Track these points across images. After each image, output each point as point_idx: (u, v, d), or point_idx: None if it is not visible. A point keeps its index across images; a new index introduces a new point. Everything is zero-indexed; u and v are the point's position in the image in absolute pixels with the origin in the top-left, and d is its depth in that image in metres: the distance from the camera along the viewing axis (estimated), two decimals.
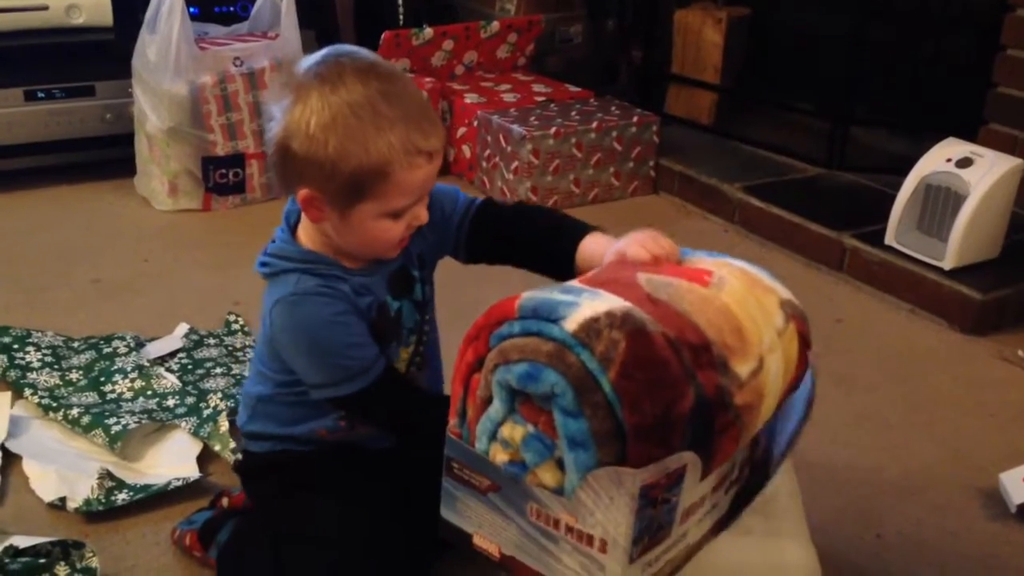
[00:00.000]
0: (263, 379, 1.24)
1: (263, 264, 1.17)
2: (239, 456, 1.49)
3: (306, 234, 1.18)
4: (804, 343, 1.01)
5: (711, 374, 0.86)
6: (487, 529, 0.93)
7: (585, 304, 0.85)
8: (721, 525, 1.02)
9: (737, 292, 0.94)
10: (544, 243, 1.23)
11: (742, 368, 0.89)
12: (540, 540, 0.89)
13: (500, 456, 0.88)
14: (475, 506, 0.93)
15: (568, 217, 1.25)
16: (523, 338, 0.86)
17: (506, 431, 0.88)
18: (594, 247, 1.16)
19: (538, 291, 0.90)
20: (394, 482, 1.26)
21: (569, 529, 0.87)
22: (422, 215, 1.13)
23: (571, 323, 0.83)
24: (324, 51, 1.10)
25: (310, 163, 1.06)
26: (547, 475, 0.86)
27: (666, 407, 0.82)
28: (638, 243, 1.06)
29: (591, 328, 0.83)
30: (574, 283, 0.95)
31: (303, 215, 1.17)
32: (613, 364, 0.81)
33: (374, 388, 1.14)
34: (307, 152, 1.06)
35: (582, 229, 1.20)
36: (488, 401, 0.89)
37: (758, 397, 0.90)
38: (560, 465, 0.85)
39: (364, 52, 1.10)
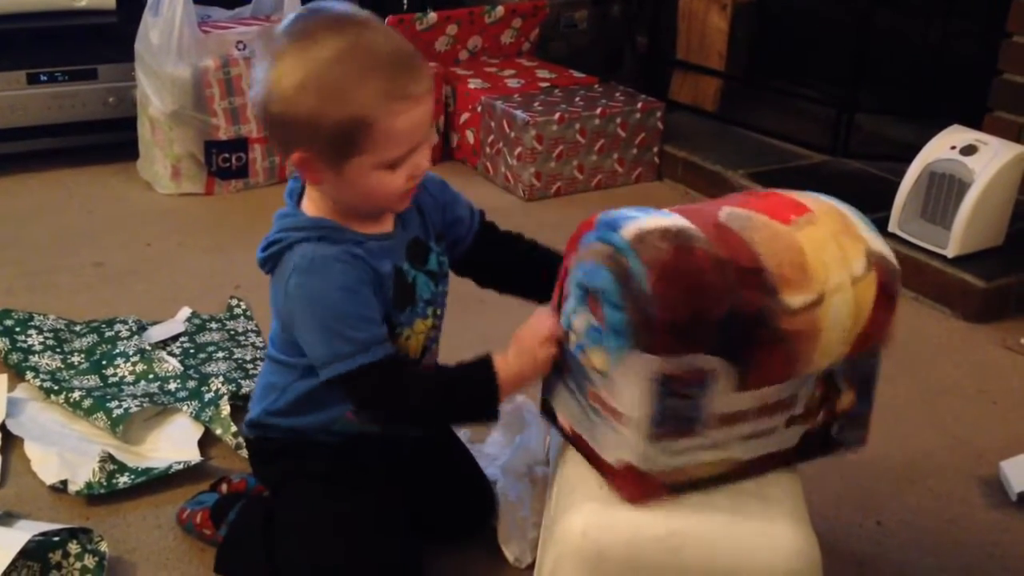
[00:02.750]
0: (283, 369, 1.22)
1: (272, 243, 1.14)
2: (240, 440, 1.50)
3: (313, 205, 1.17)
4: (885, 295, 1.04)
5: (755, 294, 0.98)
6: (563, 408, 1.11)
7: (647, 219, 1.01)
8: (785, 458, 1.09)
9: (816, 233, 1.03)
10: (532, 270, 1.27)
11: (795, 298, 0.99)
12: (591, 417, 1.06)
13: (572, 339, 1.07)
14: (560, 388, 1.12)
15: (541, 247, 1.33)
16: (596, 243, 1.03)
17: (576, 321, 1.06)
18: None
19: (619, 209, 1.06)
20: (399, 474, 1.26)
21: (606, 406, 1.03)
22: (423, 163, 1.12)
23: (627, 232, 0.99)
24: (299, 10, 1.10)
25: (291, 124, 1.06)
26: (596, 358, 1.03)
27: (695, 311, 0.96)
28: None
29: (643, 237, 0.98)
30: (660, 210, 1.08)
31: (305, 185, 1.16)
32: (654, 269, 0.96)
33: (379, 366, 1.11)
34: (286, 113, 1.06)
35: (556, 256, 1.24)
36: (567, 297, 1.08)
37: (814, 329, 1.00)
38: (609, 351, 1.01)
39: (339, 5, 1.10)
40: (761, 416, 1.05)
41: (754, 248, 1.00)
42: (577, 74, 2.94)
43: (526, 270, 1.28)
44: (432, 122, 1.12)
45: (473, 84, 2.80)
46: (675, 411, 1.00)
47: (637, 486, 1.02)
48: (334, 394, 1.18)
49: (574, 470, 1.10)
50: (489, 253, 1.30)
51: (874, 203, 2.30)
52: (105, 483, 1.42)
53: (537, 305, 1.21)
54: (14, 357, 1.71)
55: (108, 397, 1.60)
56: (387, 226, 1.19)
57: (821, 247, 1.03)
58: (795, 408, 1.07)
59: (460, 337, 1.87)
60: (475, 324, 1.95)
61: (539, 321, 1.12)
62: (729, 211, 1.05)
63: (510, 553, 1.34)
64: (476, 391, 1.14)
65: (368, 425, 1.23)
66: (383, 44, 1.06)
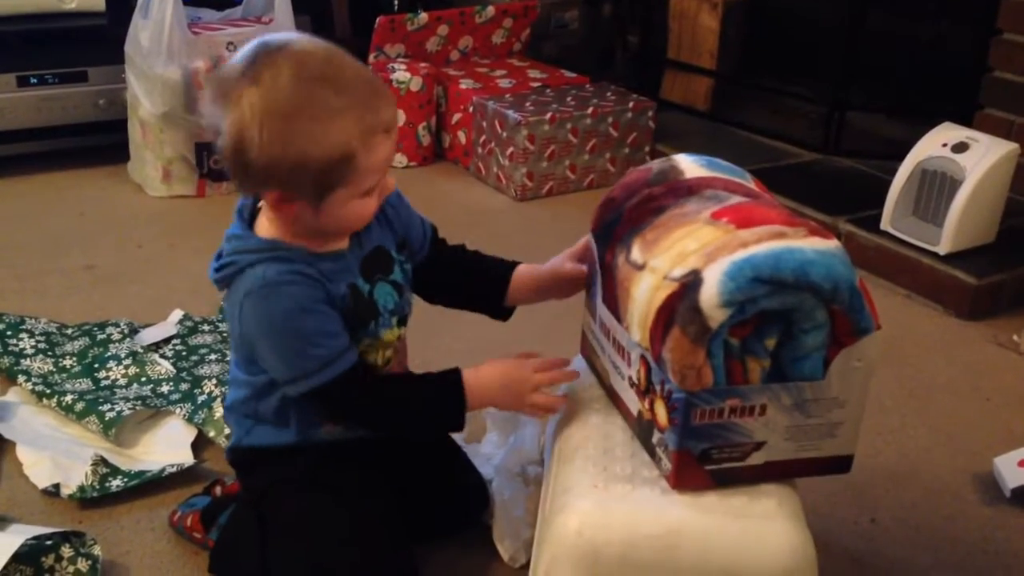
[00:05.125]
0: (246, 390, 1.21)
1: (224, 266, 1.13)
2: (226, 445, 1.49)
3: (266, 225, 1.14)
4: (664, 311, 1.00)
5: (627, 225, 1.12)
6: None
7: (687, 158, 1.20)
8: (630, 422, 1.14)
9: (704, 232, 1.04)
10: (476, 281, 1.30)
11: (636, 252, 1.09)
12: None
13: None
14: None
15: (486, 257, 1.32)
16: None
17: None
18: (524, 274, 1.27)
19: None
20: (390, 473, 1.26)
21: None
22: (390, 183, 1.12)
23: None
24: (252, 47, 1.04)
25: (272, 171, 1.03)
26: None
27: (606, 202, 1.20)
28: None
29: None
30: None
31: (269, 210, 1.13)
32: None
33: (346, 378, 1.11)
34: (266, 161, 1.02)
35: (506, 266, 1.29)
36: None
37: (626, 285, 1.09)
38: None
39: (293, 39, 1.04)
40: (614, 347, 1.15)
41: (667, 209, 1.10)
42: (568, 74, 2.94)
43: (474, 286, 1.30)
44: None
45: (464, 84, 2.79)
46: (591, 285, 1.22)
47: (582, 340, 1.28)
48: (302, 411, 1.18)
49: (569, 469, 1.10)
50: (439, 269, 1.29)
51: (866, 201, 2.31)
52: (98, 486, 1.42)
53: (484, 317, 1.29)
54: (6, 361, 1.71)
55: (100, 400, 1.59)
56: (342, 243, 1.16)
57: (687, 241, 1.04)
58: (630, 368, 1.09)
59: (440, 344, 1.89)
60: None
61: (525, 368, 1.17)
62: (712, 193, 1.10)
63: (504, 552, 1.34)
64: (444, 405, 1.17)
65: (348, 433, 1.22)
66: (353, 77, 1.03)
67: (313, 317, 1.10)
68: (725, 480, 1.06)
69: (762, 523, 1.03)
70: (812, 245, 1.00)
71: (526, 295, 1.28)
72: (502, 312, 1.30)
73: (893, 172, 2.20)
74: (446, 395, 1.16)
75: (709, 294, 0.97)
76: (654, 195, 1.12)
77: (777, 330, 1.01)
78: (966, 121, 2.32)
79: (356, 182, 1.06)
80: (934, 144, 2.14)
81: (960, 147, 2.10)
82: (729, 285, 0.96)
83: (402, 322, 1.22)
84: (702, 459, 1.04)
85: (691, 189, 1.11)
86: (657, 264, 1.04)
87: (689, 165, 1.17)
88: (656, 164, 1.18)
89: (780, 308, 0.99)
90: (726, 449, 1.05)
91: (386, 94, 1.07)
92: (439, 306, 1.32)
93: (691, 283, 0.98)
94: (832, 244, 1.01)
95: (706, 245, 1.01)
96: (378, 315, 1.17)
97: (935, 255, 2.11)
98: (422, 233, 1.27)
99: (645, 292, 1.04)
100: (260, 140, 1.01)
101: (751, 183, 1.18)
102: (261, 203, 1.15)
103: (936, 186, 2.12)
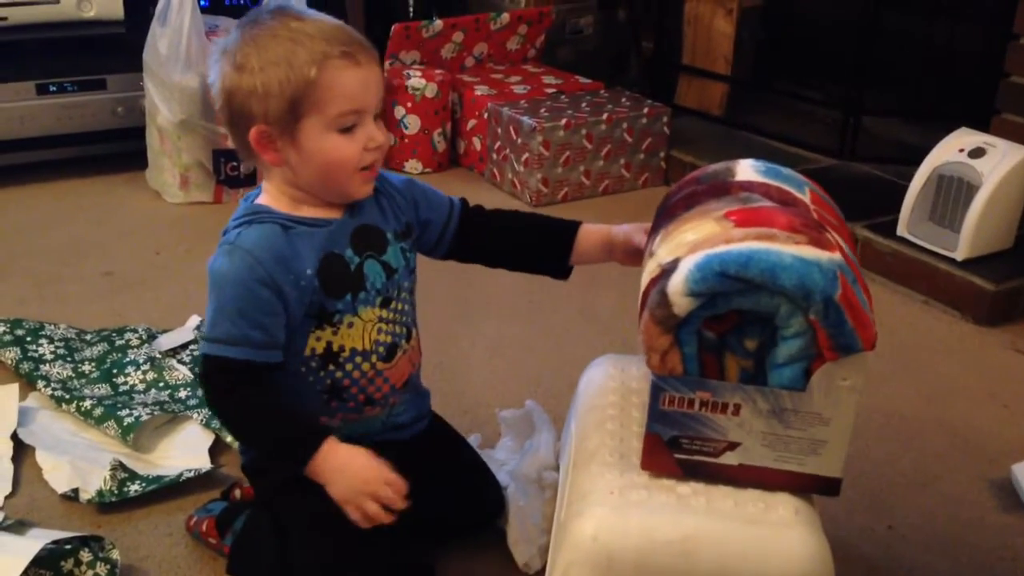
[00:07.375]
0: None
1: (224, 234, 1.19)
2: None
3: (260, 198, 1.20)
4: (644, 295, 1.06)
5: (666, 218, 1.14)
6: None
7: (749, 163, 1.18)
8: None
9: (703, 225, 1.06)
10: (538, 238, 1.32)
11: (657, 240, 1.11)
12: None
13: None
14: None
15: (546, 216, 1.35)
16: None
17: None
18: (594, 230, 1.30)
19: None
20: (403, 475, 1.26)
21: None
22: (376, 135, 1.16)
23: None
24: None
25: (244, 92, 1.12)
26: None
27: (669, 191, 1.22)
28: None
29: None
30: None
31: (261, 189, 1.21)
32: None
33: (236, 365, 1.13)
34: (238, 82, 1.12)
35: (570, 223, 1.31)
36: None
37: (643, 270, 1.12)
38: None
39: (291, 3, 1.17)
40: None
41: (697, 205, 1.10)
42: (583, 80, 2.95)
43: (536, 247, 1.33)
44: (379, 96, 1.17)
45: (479, 91, 2.80)
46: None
47: None
48: (310, 407, 1.21)
49: (585, 475, 1.10)
50: (481, 236, 1.33)
51: (882, 206, 2.31)
52: (116, 491, 1.43)
53: (548, 278, 1.33)
54: (25, 366, 1.72)
55: (119, 405, 1.60)
56: (334, 214, 1.20)
57: (689, 233, 1.07)
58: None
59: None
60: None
61: (378, 473, 1.14)
62: (746, 195, 1.11)
63: (520, 558, 1.33)
64: (288, 454, 1.17)
65: (355, 433, 1.23)
66: (327, 21, 1.15)
67: (243, 295, 1.13)
68: (696, 473, 1.08)
69: (779, 530, 1.03)
70: (796, 251, 0.98)
71: (592, 256, 1.31)
72: (565, 272, 1.33)
73: (909, 177, 2.19)
74: (297, 447, 1.15)
75: (675, 282, 1.00)
76: (696, 192, 1.13)
77: (759, 332, 1.02)
78: (983, 126, 2.31)
79: (322, 107, 1.11)
80: (951, 149, 2.13)
81: (977, 152, 2.09)
82: (695, 275, 0.99)
83: (385, 304, 1.22)
84: (672, 446, 1.06)
85: (729, 190, 1.12)
86: (660, 252, 1.07)
87: (745, 169, 1.16)
88: (715, 165, 1.19)
89: (755, 309, 1.00)
90: (697, 441, 1.06)
91: (360, 41, 1.15)
92: (503, 269, 1.36)
93: (668, 270, 1.02)
94: (823, 255, 0.98)
95: (701, 238, 1.03)
96: (362, 289, 1.19)
97: (952, 261, 2.10)
98: (448, 209, 1.31)
99: (644, 277, 1.08)
100: (236, 63, 1.13)
101: (804, 193, 1.14)
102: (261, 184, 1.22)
103: (953, 191, 2.12)
